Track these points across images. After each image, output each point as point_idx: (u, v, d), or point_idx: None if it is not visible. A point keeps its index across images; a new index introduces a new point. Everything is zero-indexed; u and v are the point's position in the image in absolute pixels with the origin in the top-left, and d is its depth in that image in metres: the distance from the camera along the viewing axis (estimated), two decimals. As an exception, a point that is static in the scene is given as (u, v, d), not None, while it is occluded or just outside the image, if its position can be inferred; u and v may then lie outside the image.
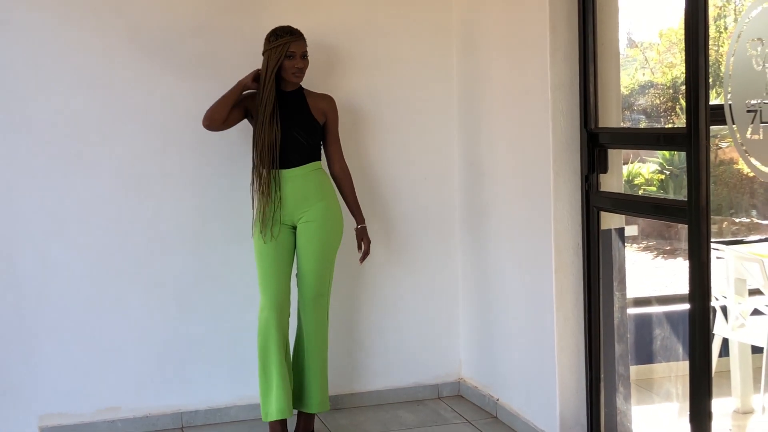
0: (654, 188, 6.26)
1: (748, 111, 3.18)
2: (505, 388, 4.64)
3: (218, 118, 4.26)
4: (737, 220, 5.79)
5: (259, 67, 4.30)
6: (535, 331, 4.30)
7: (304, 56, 4.30)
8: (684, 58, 3.36)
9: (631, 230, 5.77)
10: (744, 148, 3.21)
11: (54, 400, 4.46)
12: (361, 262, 4.54)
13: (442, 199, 5.00)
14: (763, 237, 5.47)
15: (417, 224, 4.97)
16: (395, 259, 4.95)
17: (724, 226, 5.69)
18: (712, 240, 4.98)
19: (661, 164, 6.25)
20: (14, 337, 4.39)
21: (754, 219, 5.87)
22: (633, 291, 5.38)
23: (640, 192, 6.42)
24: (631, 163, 6.72)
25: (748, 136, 3.19)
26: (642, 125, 5.88)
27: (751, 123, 3.17)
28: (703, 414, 3.43)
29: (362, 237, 4.48)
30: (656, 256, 6.04)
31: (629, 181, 6.66)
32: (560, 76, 4.07)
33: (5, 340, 4.38)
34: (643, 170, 6.52)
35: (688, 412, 3.47)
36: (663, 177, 6.27)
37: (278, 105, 4.29)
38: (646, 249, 6.15)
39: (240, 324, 4.64)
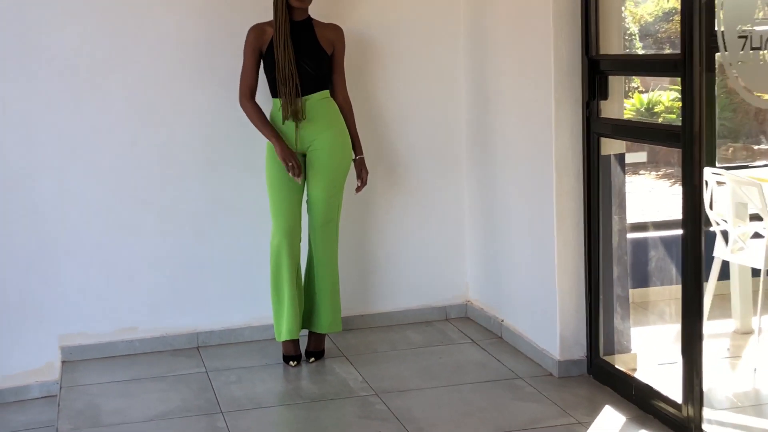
0: (674, 116, 6.30)
1: (740, 37, 3.23)
2: (509, 309, 4.77)
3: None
4: (739, 146, 5.83)
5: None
6: (538, 254, 4.41)
7: None
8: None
9: (639, 157, 5.85)
10: (735, 73, 3.27)
11: (74, 320, 4.65)
12: (357, 192, 4.65)
13: (449, 127, 5.08)
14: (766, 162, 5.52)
15: (425, 152, 5.07)
16: (404, 186, 5.06)
17: (730, 152, 5.74)
18: (718, 166, 5.08)
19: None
20: (34, 261, 4.56)
21: (758, 146, 5.92)
22: (637, 216, 5.48)
23: (660, 120, 6.45)
24: (652, 90, 6.74)
25: (739, 61, 3.25)
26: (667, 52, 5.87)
27: (741, 49, 3.23)
28: (694, 335, 3.54)
29: (360, 168, 4.58)
30: (664, 183, 6.10)
31: (649, 109, 6.69)
32: (562, 3, 4.12)
33: (26, 265, 4.54)
34: (663, 98, 6.55)
35: (680, 333, 3.59)
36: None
37: (290, 35, 4.36)
38: (654, 176, 6.21)
39: (252, 248, 4.78)
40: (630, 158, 5.76)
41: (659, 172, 6.49)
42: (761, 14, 3.15)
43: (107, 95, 4.60)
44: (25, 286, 4.55)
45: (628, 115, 6.50)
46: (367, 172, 4.60)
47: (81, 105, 4.56)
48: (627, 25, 7.10)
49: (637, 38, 7.12)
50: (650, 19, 6.78)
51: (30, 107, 4.50)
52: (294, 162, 4.32)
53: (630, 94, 6.88)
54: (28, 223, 4.53)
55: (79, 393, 4.28)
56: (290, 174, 4.32)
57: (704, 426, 3.50)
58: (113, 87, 4.60)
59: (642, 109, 6.67)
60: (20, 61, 4.46)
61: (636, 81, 6.96)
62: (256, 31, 4.39)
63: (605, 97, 4.12)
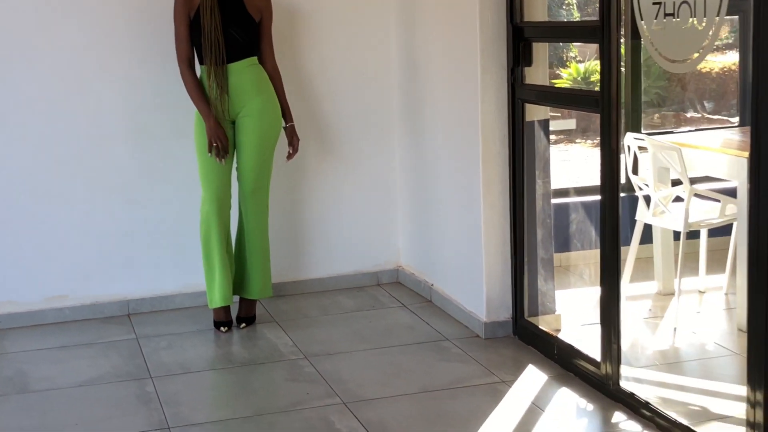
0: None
1: (654, 3, 3.30)
2: (439, 274, 4.85)
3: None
4: (670, 113, 5.96)
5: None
6: (465, 219, 4.48)
7: None
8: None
9: (568, 124, 5.94)
10: (650, 39, 3.34)
11: (2, 289, 4.63)
12: (288, 160, 4.67)
13: (381, 93, 5.12)
14: (692, 129, 5.65)
15: (356, 119, 5.10)
16: (337, 153, 5.10)
17: (657, 118, 5.86)
18: (643, 132, 5.18)
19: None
20: (-40, 228, 4.54)
21: (688, 113, 6.04)
22: (565, 182, 5.58)
23: (596, 89, 6.56)
24: (588, 60, 6.83)
25: (654, 28, 3.32)
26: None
27: (656, 17, 3.30)
28: (612, 297, 3.64)
29: (291, 135, 4.61)
30: (591, 149, 6.21)
31: (585, 78, 6.78)
32: (487, -30, 4.17)
33: (-48, 232, 4.52)
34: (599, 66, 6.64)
35: (599, 295, 3.69)
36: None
37: (217, 2, 4.35)
38: (590, 144, 6.31)
39: (182, 215, 4.80)
40: (560, 125, 5.88)
41: (594, 141, 6.60)
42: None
43: (34, 61, 4.56)
44: (-49, 254, 4.53)
45: (565, 84, 6.60)
46: (298, 140, 4.63)
47: (7, 71, 4.52)
48: (566, -6, 7.18)
49: (575, 7, 7.20)
50: (589, -13, 6.87)
51: (-47, 73, 4.46)
52: (220, 142, 4.33)
53: (568, 63, 6.98)
54: (-47, 191, 4.51)
55: (8, 360, 4.28)
56: (212, 155, 4.33)
57: (621, 383, 3.61)
58: (40, 52, 4.56)
59: (579, 78, 6.76)
60: (-57, 27, 4.41)
61: (573, 50, 7.06)
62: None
63: (529, 63, 4.18)
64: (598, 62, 5.93)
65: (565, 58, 6.91)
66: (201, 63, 4.39)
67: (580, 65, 6.76)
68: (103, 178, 4.72)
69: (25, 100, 4.56)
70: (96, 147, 4.69)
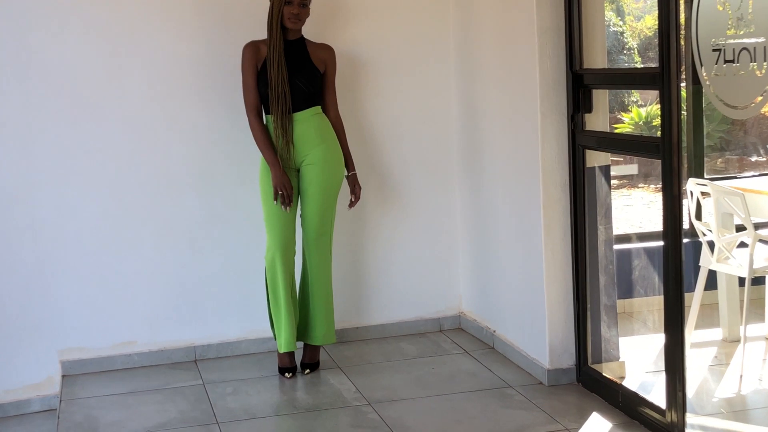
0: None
1: (713, 50, 3.32)
2: (501, 320, 4.85)
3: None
4: (733, 157, 5.91)
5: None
6: (527, 265, 4.49)
7: (303, 5, 4.45)
8: (657, 1, 3.51)
9: (630, 169, 5.93)
10: (710, 85, 3.35)
11: (73, 335, 4.74)
12: (350, 208, 4.74)
13: (441, 141, 5.18)
14: (756, 173, 5.59)
15: (416, 165, 5.16)
16: (397, 199, 5.15)
17: (718, 162, 5.82)
18: (706, 177, 5.15)
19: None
20: (34, 276, 4.65)
21: (752, 157, 5.99)
22: (626, 227, 5.56)
23: (659, 134, 6.54)
24: (650, 104, 6.82)
25: (714, 74, 3.33)
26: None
27: (716, 62, 3.31)
28: (676, 343, 3.62)
29: (353, 184, 4.68)
30: (653, 194, 6.17)
31: (647, 122, 6.77)
32: (546, 19, 4.22)
33: (26, 280, 4.63)
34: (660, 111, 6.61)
35: (663, 342, 3.67)
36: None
37: (284, 54, 4.46)
38: (653, 189, 6.28)
39: (248, 262, 4.87)
40: (622, 170, 5.86)
41: (657, 186, 6.57)
42: (732, 31, 3.23)
43: (105, 111, 4.70)
44: (25, 301, 4.64)
45: (627, 128, 6.59)
46: (360, 188, 4.69)
47: (79, 121, 4.67)
48: (626, 39, 7.18)
49: (636, 52, 7.20)
50: (650, 34, 6.86)
51: (28, 123, 4.60)
52: (285, 191, 4.41)
53: (629, 107, 6.97)
54: (27, 239, 4.63)
55: (79, 406, 4.37)
56: (277, 203, 4.41)
57: (687, 431, 3.57)
58: (111, 103, 4.70)
59: (640, 122, 6.75)
60: (18, 77, 4.56)
61: (635, 95, 7.05)
62: (252, 48, 4.49)
63: (589, 110, 4.21)
64: (659, 106, 5.92)
65: (626, 102, 6.91)
66: (267, 112, 4.49)
67: (642, 109, 6.75)
68: (170, 225, 4.82)
69: (94, 150, 4.70)
70: (163, 195, 4.80)
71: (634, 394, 3.92)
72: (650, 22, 6.88)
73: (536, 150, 4.29)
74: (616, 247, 4.42)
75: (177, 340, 4.88)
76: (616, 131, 5.53)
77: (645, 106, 6.80)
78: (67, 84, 4.64)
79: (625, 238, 5.26)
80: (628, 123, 6.73)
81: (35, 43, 4.57)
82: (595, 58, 4.23)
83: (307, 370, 4.66)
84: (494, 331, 4.89)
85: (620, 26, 7.10)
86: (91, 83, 4.67)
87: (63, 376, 4.69)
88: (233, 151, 4.83)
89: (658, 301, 4.12)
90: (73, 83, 4.64)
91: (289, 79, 4.44)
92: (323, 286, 4.64)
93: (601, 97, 4.24)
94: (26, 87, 4.58)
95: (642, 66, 6.24)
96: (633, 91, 6.92)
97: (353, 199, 4.69)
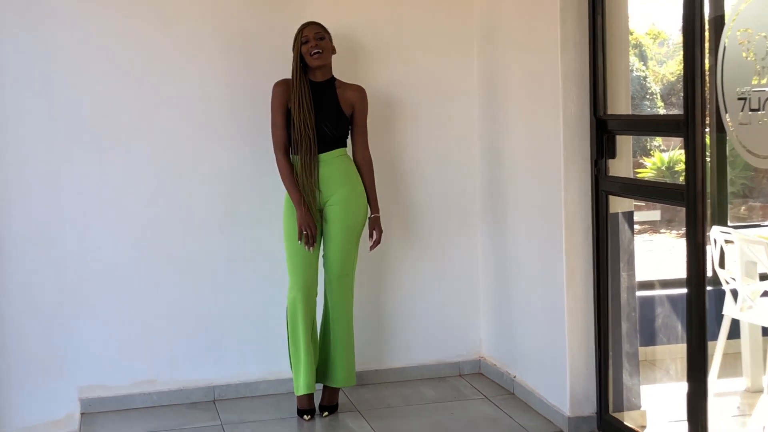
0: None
1: (739, 98, 3.32)
2: (521, 365, 4.82)
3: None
4: (756, 204, 5.88)
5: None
6: (548, 310, 4.47)
7: (320, 37, 4.46)
8: (682, 48, 3.51)
9: (652, 215, 5.91)
10: (735, 133, 3.35)
11: (93, 373, 4.74)
12: (371, 250, 4.74)
13: (464, 184, 5.18)
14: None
15: (440, 207, 5.16)
16: (419, 241, 5.15)
17: (742, 210, 5.80)
18: (729, 224, 5.13)
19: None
20: (55, 313, 4.66)
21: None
22: (649, 274, 5.53)
23: (681, 179, 6.53)
24: (673, 150, 6.82)
25: (739, 122, 3.33)
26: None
27: (741, 110, 3.31)
28: (699, 393, 3.58)
29: (374, 226, 4.67)
30: (675, 239, 6.15)
31: (670, 168, 6.76)
32: (570, 65, 4.23)
33: (47, 317, 4.65)
34: (684, 157, 6.61)
35: (686, 391, 3.63)
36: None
37: (310, 96, 4.49)
38: (676, 234, 6.26)
39: (269, 302, 4.87)
40: (645, 216, 5.85)
41: (680, 231, 6.55)
42: (757, 80, 3.24)
43: (129, 152, 4.73)
44: (46, 337, 4.65)
45: (649, 173, 6.59)
46: (380, 232, 4.68)
47: (104, 160, 4.70)
48: (648, 84, 7.19)
49: (659, 97, 7.20)
50: (672, 79, 6.87)
51: (54, 163, 4.63)
52: (310, 231, 4.42)
53: (651, 152, 6.97)
54: (50, 277, 4.65)
55: (97, 444, 4.37)
56: (301, 242, 4.42)
57: (710, 482, 3.52)
58: (135, 144, 4.74)
59: (663, 167, 6.74)
60: (45, 117, 4.60)
61: (658, 140, 7.05)
62: (281, 86, 4.51)
63: (613, 155, 4.20)
64: (682, 152, 5.93)
65: (648, 147, 6.91)
66: (293, 153, 4.51)
67: (665, 154, 6.74)
68: (192, 265, 4.84)
69: (119, 189, 4.73)
70: (187, 235, 4.82)
71: (656, 444, 3.88)
72: (673, 67, 6.89)
73: (559, 195, 4.29)
74: (639, 294, 4.39)
75: (197, 380, 4.87)
76: (638, 176, 5.53)
77: (667, 151, 6.80)
78: (94, 123, 4.68)
79: (647, 285, 5.23)
80: (650, 168, 6.72)
81: (63, 82, 4.62)
82: (619, 104, 4.23)
83: (326, 413, 4.63)
84: (514, 377, 4.86)
85: (643, 71, 7.11)
86: (117, 122, 4.71)
87: (82, 414, 4.69)
88: (257, 192, 4.85)
89: (680, 350, 4.10)
90: (99, 122, 4.69)
91: (315, 122, 4.47)
92: (344, 327, 4.63)
93: (624, 143, 4.24)
94: (53, 125, 4.62)
95: (665, 112, 6.25)
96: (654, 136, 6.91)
97: (372, 243, 4.68)
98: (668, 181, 6.15)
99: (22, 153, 4.58)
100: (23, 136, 4.58)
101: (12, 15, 4.52)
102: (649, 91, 7.10)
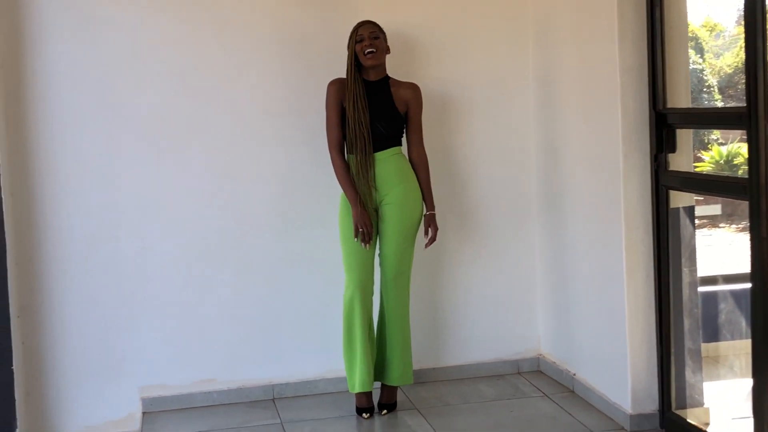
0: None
1: (804, 89, 3.25)
2: (581, 363, 4.77)
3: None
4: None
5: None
6: (608, 307, 4.42)
7: (374, 37, 4.46)
8: (743, 40, 3.45)
9: (713, 209, 5.82)
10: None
11: (154, 372, 4.78)
12: (426, 248, 4.72)
13: (520, 180, 5.15)
14: None
15: (496, 204, 5.14)
16: (476, 238, 5.13)
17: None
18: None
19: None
20: (115, 314, 4.72)
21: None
22: (711, 269, 5.44)
23: (740, 173, 6.42)
24: (731, 143, 6.71)
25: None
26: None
27: (806, 102, 3.24)
28: (765, 390, 3.52)
29: (430, 224, 4.65)
30: (742, 235, 6.05)
31: (729, 161, 6.65)
32: (629, 59, 4.18)
33: (108, 317, 4.70)
34: (743, 150, 6.51)
35: (751, 387, 3.57)
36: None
37: (364, 95, 4.49)
38: (735, 229, 6.16)
39: (326, 301, 4.88)
40: (705, 210, 5.76)
41: (739, 225, 6.44)
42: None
43: (186, 154, 4.77)
44: (107, 339, 4.71)
45: (707, 167, 6.49)
46: (436, 229, 4.66)
47: (161, 161, 4.74)
48: (705, 77, 7.09)
49: (716, 90, 7.09)
50: (730, 71, 6.76)
51: (112, 167, 4.68)
52: (366, 229, 4.42)
53: (709, 146, 6.86)
54: (110, 279, 4.70)
55: (158, 443, 4.41)
56: (357, 240, 4.42)
57: (777, 481, 3.46)
58: (192, 146, 4.77)
59: (721, 161, 6.63)
60: (103, 122, 4.66)
61: (715, 133, 6.94)
62: (336, 85, 4.52)
63: (673, 150, 4.15)
64: (741, 144, 5.82)
65: (706, 141, 6.80)
66: (348, 152, 4.51)
67: (723, 147, 6.63)
68: (250, 265, 4.86)
69: (176, 190, 4.76)
70: (244, 235, 4.85)
71: (721, 442, 3.82)
72: (730, 59, 6.79)
73: (618, 191, 4.24)
74: (701, 289, 4.32)
75: (256, 379, 4.89)
76: (696, 170, 5.44)
77: (726, 144, 6.69)
78: (151, 126, 4.72)
79: (709, 280, 5.14)
80: (708, 162, 6.62)
81: (120, 85, 4.66)
82: (679, 97, 4.18)
83: (384, 411, 4.63)
84: (574, 374, 4.82)
85: (700, 64, 7.01)
86: (174, 125, 4.75)
87: (143, 413, 4.73)
88: (313, 192, 4.86)
89: (744, 345, 4.03)
90: (156, 126, 4.73)
91: (371, 121, 4.46)
92: (401, 326, 4.62)
93: (684, 137, 4.19)
94: (111, 129, 4.67)
95: (723, 105, 6.14)
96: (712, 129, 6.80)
97: (428, 241, 4.67)
98: (728, 174, 6.05)
99: (81, 157, 4.64)
100: (82, 141, 4.64)
101: (71, 22, 4.58)
102: (707, 84, 7.00)
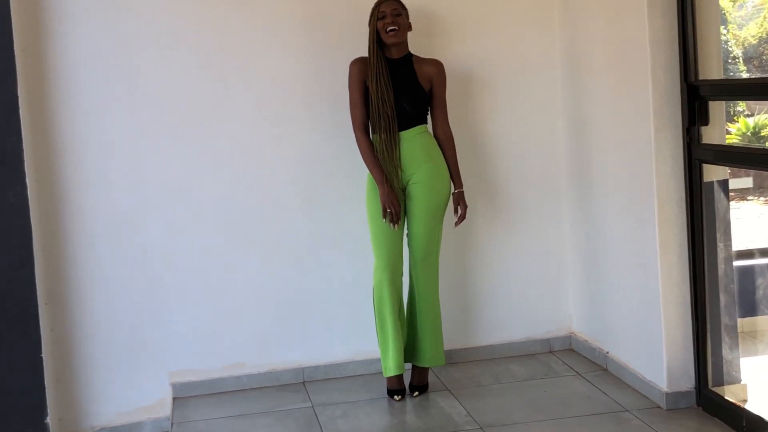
0: (782, 140, 6.15)
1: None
2: (614, 341, 4.71)
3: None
4: None
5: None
6: (641, 284, 4.35)
7: (396, 14, 4.40)
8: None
9: (744, 182, 5.73)
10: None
11: (183, 357, 4.76)
12: (456, 226, 4.67)
13: (548, 156, 5.08)
14: None
15: (525, 182, 5.07)
16: (504, 216, 5.06)
17: None
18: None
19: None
20: (144, 300, 4.69)
21: None
22: (744, 243, 5.36)
23: (767, 144, 6.32)
24: (758, 114, 6.60)
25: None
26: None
27: None
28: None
29: (459, 201, 4.59)
30: (763, 206, 5.96)
31: (756, 133, 6.55)
32: (658, 30, 4.10)
33: (136, 302, 4.68)
34: (771, 121, 6.41)
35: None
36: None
37: (387, 73, 4.43)
38: (763, 201, 6.07)
39: (355, 283, 4.84)
40: (735, 184, 5.67)
41: (766, 197, 6.35)
42: None
43: (211, 136, 4.73)
44: (136, 325, 4.69)
45: (734, 139, 6.39)
46: (465, 207, 4.61)
47: (187, 143, 4.70)
48: (730, 48, 6.99)
49: (741, 61, 6.98)
50: (754, 42, 6.65)
51: (137, 150, 4.65)
52: (393, 209, 4.37)
53: (735, 118, 6.76)
54: (137, 264, 4.67)
55: (190, 429, 4.39)
56: (385, 220, 4.37)
57: (820, 458, 3.40)
58: (217, 128, 4.73)
59: (748, 133, 6.53)
60: (127, 104, 4.61)
61: (741, 105, 6.83)
62: (359, 64, 4.46)
63: (706, 122, 4.07)
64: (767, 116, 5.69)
65: (732, 113, 6.70)
66: (373, 132, 4.46)
67: (749, 120, 6.54)
68: (277, 247, 4.82)
69: (202, 172, 4.72)
70: (271, 217, 4.81)
71: (760, 418, 3.76)
72: (754, 30, 6.68)
73: (650, 165, 4.16)
74: (735, 263, 4.25)
75: (285, 362, 4.87)
76: (735, 146, 5.35)
77: (752, 116, 6.58)
78: (174, 109, 4.68)
79: (742, 254, 5.06)
80: (735, 134, 6.52)
81: (144, 66, 4.62)
82: (711, 69, 4.09)
83: (416, 393, 4.59)
84: (607, 353, 4.75)
85: (724, 35, 6.90)
86: (199, 105, 4.71)
87: (174, 399, 4.72)
88: (340, 172, 4.81)
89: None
90: (179, 108, 4.68)
91: (395, 99, 4.40)
92: (431, 306, 4.57)
93: (717, 109, 4.10)
94: (135, 113, 4.63)
95: (748, 76, 6.05)
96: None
97: (458, 219, 4.61)
98: (764, 147, 5.95)
99: (106, 141, 4.60)
100: (106, 125, 4.60)
101: (91, 4, 4.53)
102: (732, 56, 6.90)
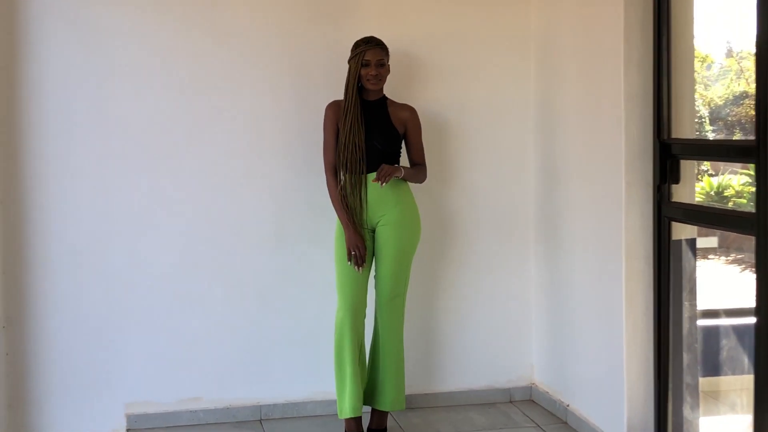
0: (744, 200, 6.20)
1: (815, 124, 3.19)
2: (575, 393, 4.69)
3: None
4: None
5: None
6: (605, 338, 4.34)
7: (380, 64, 4.42)
8: (755, 71, 3.40)
9: (709, 242, 5.76)
10: (810, 161, 3.22)
11: (139, 389, 4.68)
12: (377, 179, 4.30)
13: (517, 205, 5.08)
14: None
15: (492, 229, 5.06)
16: (470, 262, 5.05)
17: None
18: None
19: (752, 176, 6.18)
20: (102, 328, 4.62)
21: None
22: (707, 303, 5.37)
23: (730, 204, 6.38)
24: (722, 174, 6.66)
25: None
26: (736, 137, 5.86)
27: (818, 136, 3.18)
28: (765, 427, 3.44)
29: (392, 169, 4.32)
30: (735, 268, 5.99)
31: (719, 193, 6.60)
32: (634, 86, 4.13)
33: (95, 330, 4.60)
34: (733, 182, 6.46)
35: (752, 425, 3.50)
36: (753, 189, 6.20)
37: (360, 112, 4.43)
38: (725, 261, 6.10)
39: (317, 322, 4.80)
40: (701, 243, 5.70)
41: (729, 258, 6.38)
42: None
43: (180, 167, 4.69)
44: (93, 353, 4.61)
45: (698, 198, 6.44)
46: (390, 169, 4.32)
47: (155, 174, 4.66)
48: (697, 108, 7.07)
49: (708, 121, 7.07)
50: (720, 103, 6.74)
51: (103, 177, 4.60)
52: (359, 251, 4.35)
53: (699, 177, 6.82)
54: (98, 291, 4.61)
55: (142, 462, 4.31)
56: (350, 263, 4.34)
57: None
58: (186, 159, 4.69)
59: (712, 192, 6.59)
60: (96, 129, 4.57)
61: (706, 164, 6.90)
62: (334, 107, 4.47)
63: (677, 181, 4.09)
64: (731, 177, 5.75)
65: (696, 171, 6.77)
66: (342, 171, 4.44)
67: (714, 179, 6.59)
68: (241, 282, 4.77)
69: (169, 203, 4.68)
70: (236, 251, 4.76)
71: (718, 480, 3.74)
72: (720, 90, 6.77)
73: (619, 220, 4.17)
74: (700, 323, 4.25)
75: (243, 398, 4.80)
76: (706, 205, 5.39)
77: (716, 175, 6.64)
78: (145, 137, 4.64)
79: (707, 314, 5.07)
80: (699, 193, 6.57)
81: (115, 94, 4.58)
82: (684, 127, 4.12)
83: (374, 437, 4.54)
84: (567, 405, 4.73)
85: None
86: (169, 137, 4.67)
87: (128, 430, 4.63)
88: (309, 210, 4.78)
89: (743, 381, 3.96)
90: (151, 137, 4.65)
91: (366, 139, 4.40)
92: (394, 349, 4.53)
93: (688, 168, 4.13)
94: (105, 139, 4.59)
95: (714, 137, 6.12)
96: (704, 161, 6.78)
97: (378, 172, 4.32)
98: (730, 206, 6.00)
99: (73, 166, 4.55)
100: (74, 150, 4.55)
101: (66, 30, 4.50)
102: (698, 115, 6.99)
